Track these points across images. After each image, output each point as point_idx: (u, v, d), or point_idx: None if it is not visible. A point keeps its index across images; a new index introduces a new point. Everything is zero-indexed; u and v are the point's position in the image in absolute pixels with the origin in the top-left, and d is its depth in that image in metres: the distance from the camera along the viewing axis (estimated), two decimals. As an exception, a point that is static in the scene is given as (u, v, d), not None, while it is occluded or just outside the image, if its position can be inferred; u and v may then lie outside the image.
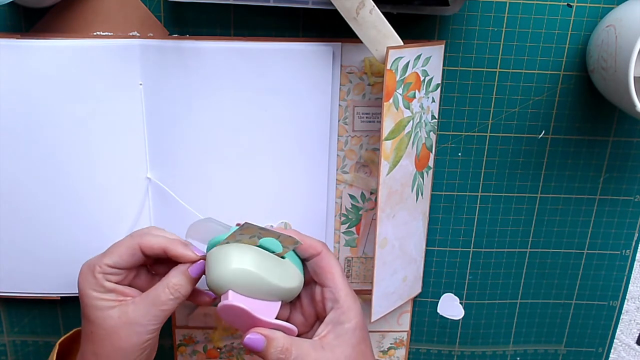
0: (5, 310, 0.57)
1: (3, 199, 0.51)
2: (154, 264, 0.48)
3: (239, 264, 0.42)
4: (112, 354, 0.44)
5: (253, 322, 0.42)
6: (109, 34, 0.49)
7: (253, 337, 0.42)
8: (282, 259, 0.45)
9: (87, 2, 0.48)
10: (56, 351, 0.49)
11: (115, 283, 0.45)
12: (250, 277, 0.42)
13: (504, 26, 0.50)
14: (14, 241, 0.52)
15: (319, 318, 0.47)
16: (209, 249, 0.45)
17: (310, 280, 0.47)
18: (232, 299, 0.42)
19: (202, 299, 0.49)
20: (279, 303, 0.45)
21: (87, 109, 0.49)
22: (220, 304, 0.42)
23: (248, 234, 0.43)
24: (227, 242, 0.44)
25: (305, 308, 0.48)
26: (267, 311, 0.44)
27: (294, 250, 0.46)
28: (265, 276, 0.43)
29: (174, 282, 0.45)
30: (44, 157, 0.50)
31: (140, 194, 0.53)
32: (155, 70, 0.49)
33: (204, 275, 0.45)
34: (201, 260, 0.45)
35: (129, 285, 0.46)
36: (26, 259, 0.53)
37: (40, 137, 0.50)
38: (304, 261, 0.47)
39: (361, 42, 0.45)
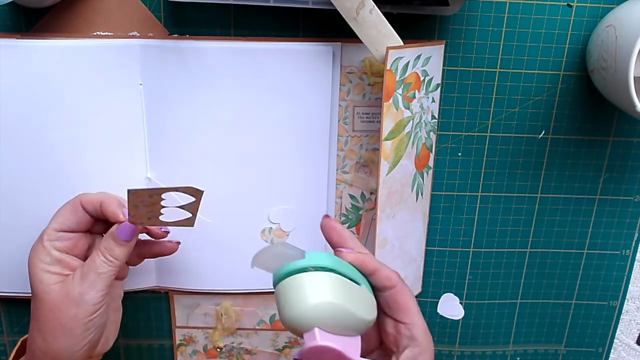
0: (5, 310, 0.57)
1: (3, 198, 0.51)
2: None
3: (322, 298, 0.37)
4: (54, 330, 0.43)
5: None
6: (109, 34, 0.49)
7: None
8: (358, 286, 0.40)
9: (87, 2, 0.48)
10: (17, 347, 0.49)
11: (64, 252, 0.44)
12: (336, 311, 0.37)
13: (504, 26, 0.50)
14: (14, 241, 0.52)
15: (384, 346, 0.44)
16: (278, 279, 0.39)
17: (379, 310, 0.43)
18: (321, 338, 0.36)
19: (163, 248, 0.48)
20: (359, 338, 0.40)
21: (87, 109, 0.49)
22: (306, 347, 0.36)
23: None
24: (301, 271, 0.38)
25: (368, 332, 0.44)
26: (352, 349, 0.38)
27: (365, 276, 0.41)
28: (349, 308, 0.37)
29: (104, 245, 0.44)
30: (43, 157, 0.50)
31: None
32: (155, 70, 0.49)
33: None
34: (126, 223, 0.44)
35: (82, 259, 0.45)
36: (27, 258, 0.53)
37: (40, 136, 0.50)
38: (375, 290, 0.42)
39: (361, 42, 0.45)
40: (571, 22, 0.50)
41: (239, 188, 0.53)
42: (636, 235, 0.57)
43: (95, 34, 0.49)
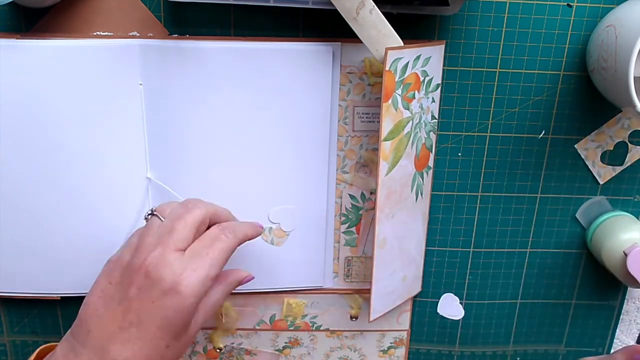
0: (5, 310, 0.57)
1: (3, 199, 0.51)
2: None
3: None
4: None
5: None
6: (109, 34, 0.49)
7: None
8: None
9: (87, 2, 0.48)
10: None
11: None
12: None
13: (504, 26, 0.50)
14: (14, 241, 0.52)
15: None
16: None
17: None
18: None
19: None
20: None
21: (87, 109, 0.49)
22: (636, 249, 0.50)
23: None
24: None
25: None
26: None
27: None
28: None
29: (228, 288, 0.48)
30: (43, 157, 0.50)
31: (141, 193, 0.53)
32: (156, 70, 0.49)
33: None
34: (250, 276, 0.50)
35: None
36: (27, 258, 0.53)
37: (40, 137, 0.50)
38: None
39: (361, 42, 0.45)
40: (571, 22, 0.50)
41: (239, 188, 0.53)
42: (636, 235, 0.57)
43: (95, 34, 0.49)
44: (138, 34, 0.49)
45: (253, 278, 0.49)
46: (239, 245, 0.46)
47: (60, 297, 0.55)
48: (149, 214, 0.46)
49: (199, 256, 0.43)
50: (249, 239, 0.48)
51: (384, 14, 0.45)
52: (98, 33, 0.49)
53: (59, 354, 0.42)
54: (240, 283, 0.49)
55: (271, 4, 0.46)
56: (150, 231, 0.44)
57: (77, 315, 0.43)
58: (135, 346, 0.41)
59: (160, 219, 0.45)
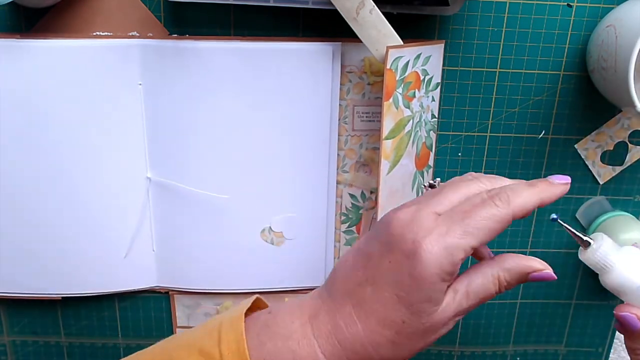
0: (5, 310, 0.57)
1: (3, 199, 0.51)
2: None
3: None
4: None
5: None
6: (109, 34, 0.49)
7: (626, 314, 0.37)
8: None
9: (87, 2, 0.48)
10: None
11: None
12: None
13: (504, 26, 0.50)
14: (14, 241, 0.52)
15: None
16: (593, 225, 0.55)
17: None
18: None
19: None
20: None
21: (87, 109, 0.49)
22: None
23: None
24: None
25: None
26: None
27: None
28: None
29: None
30: (43, 157, 0.50)
31: (141, 193, 0.53)
32: (155, 70, 0.49)
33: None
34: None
35: None
36: (27, 259, 0.53)
37: (40, 137, 0.50)
38: None
39: (361, 42, 0.45)
40: (571, 22, 0.50)
41: (239, 187, 0.53)
42: (636, 235, 0.57)
43: (95, 34, 0.49)
44: (138, 34, 0.49)
45: (550, 276, 0.37)
46: (515, 218, 0.35)
47: (61, 297, 0.55)
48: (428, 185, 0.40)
49: (452, 220, 0.34)
50: (531, 209, 0.35)
51: (384, 14, 0.45)
52: (98, 33, 0.49)
53: (314, 292, 0.39)
54: (524, 276, 0.36)
55: (271, 4, 0.46)
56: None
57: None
58: (369, 308, 0.35)
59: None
